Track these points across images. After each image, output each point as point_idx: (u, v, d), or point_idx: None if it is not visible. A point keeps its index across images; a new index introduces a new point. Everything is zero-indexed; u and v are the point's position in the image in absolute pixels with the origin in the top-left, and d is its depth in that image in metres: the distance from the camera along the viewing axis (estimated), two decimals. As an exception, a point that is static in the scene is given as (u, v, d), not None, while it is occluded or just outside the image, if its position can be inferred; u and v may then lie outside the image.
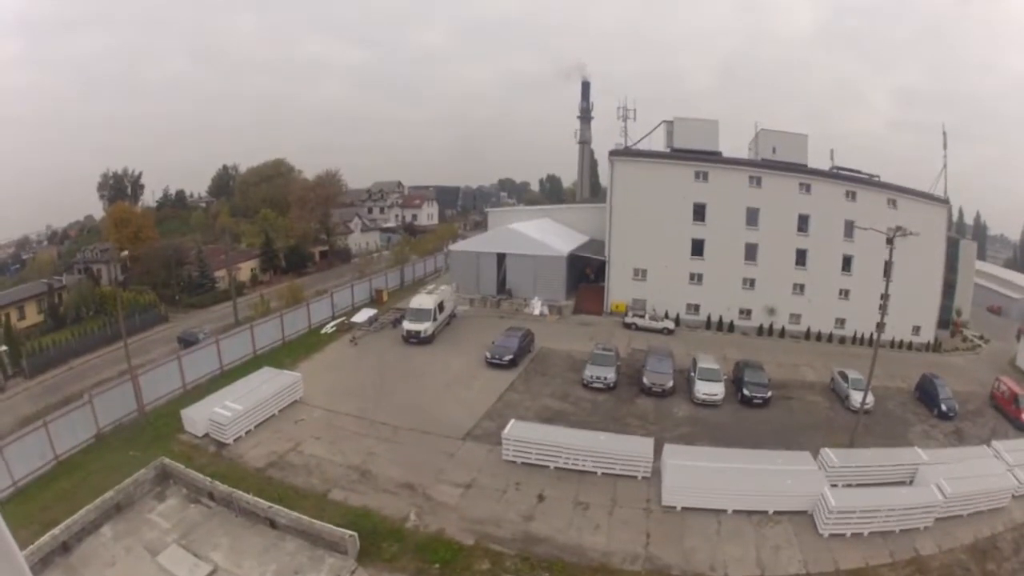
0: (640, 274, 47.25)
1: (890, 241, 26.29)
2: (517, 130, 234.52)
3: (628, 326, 44.00)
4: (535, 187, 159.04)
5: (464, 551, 19.19)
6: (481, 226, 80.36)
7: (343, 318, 43.71)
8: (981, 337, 51.46)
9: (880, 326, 28.80)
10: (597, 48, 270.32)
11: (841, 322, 45.58)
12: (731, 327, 45.78)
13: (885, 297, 27.71)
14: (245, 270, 65.31)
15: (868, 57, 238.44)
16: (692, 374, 32.62)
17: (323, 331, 41.50)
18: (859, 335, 45.02)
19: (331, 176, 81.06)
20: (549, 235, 50.15)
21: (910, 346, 45.46)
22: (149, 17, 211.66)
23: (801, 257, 45.42)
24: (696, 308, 46.66)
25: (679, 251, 46.21)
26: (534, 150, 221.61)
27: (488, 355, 35.09)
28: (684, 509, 21.48)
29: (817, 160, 47.01)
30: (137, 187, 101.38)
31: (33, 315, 52.35)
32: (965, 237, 71.09)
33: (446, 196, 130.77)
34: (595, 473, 23.61)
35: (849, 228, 43.28)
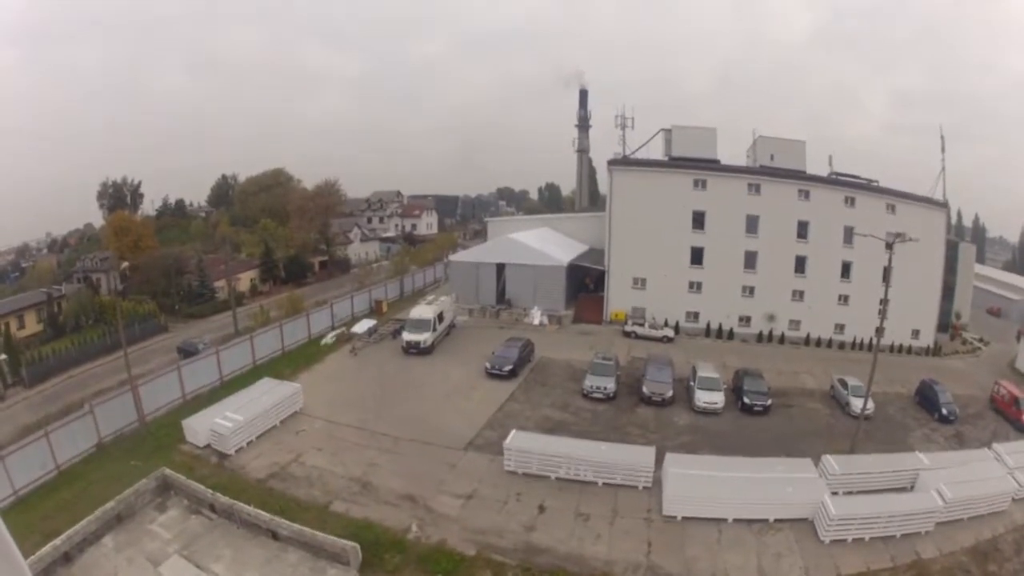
0: (639, 283, 47.34)
1: (889, 247, 26.41)
2: (516, 139, 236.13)
3: (628, 335, 44.05)
4: (534, 195, 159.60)
5: (466, 562, 19.19)
6: (480, 235, 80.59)
7: (343, 328, 43.74)
8: (981, 339, 51.62)
9: (880, 331, 28.89)
10: (595, 55, 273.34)
11: (840, 328, 45.69)
12: (731, 334, 45.85)
13: (884, 302, 27.80)
14: (245, 280, 65.33)
15: (866, 59, 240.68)
16: (692, 383, 32.66)
17: (323, 342, 41.54)
18: (859, 340, 45.13)
19: (330, 186, 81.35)
20: (548, 245, 50.28)
21: (909, 350, 45.53)
22: (150, 28, 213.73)
23: (800, 264, 45.54)
24: (696, 316, 46.73)
25: (678, 259, 46.33)
26: (533, 158, 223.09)
27: (488, 365, 35.10)
28: (685, 519, 21.48)
29: (816, 166, 47.42)
30: (136, 196, 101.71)
31: (33, 324, 52.35)
32: (964, 240, 71.36)
33: (445, 205, 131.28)
34: (596, 483, 23.60)
35: (848, 234, 43.37)
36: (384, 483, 23.51)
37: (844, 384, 33.18)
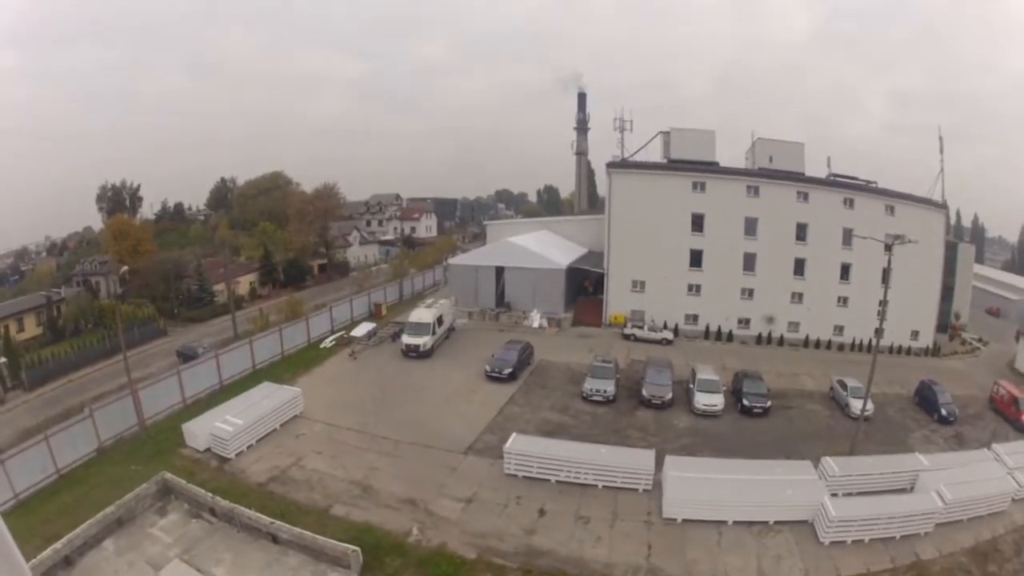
0: (638, 285, 47.38)
1: (888, 249, 26.46)
2: (515, 141, 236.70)
3: (627, 337, 44.08)
4: (533, 198, 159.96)
5: (466, 565, 19.21)
6: (479, 238, 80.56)
7: (342, 332, 43.73)
8: (980, 340, 51.71)
9: (879, 332, 28.94)
10: (594, 58, 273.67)
11: (840, 329, 45.77)
12: (730, 337, 45.90)
13: (884, 303, 27.83)
14: (244, 284, 65.35)
15: (866, 59, 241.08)
16: (691, 385, 32.70)
17: (322, 345, 41.53)
18: (858, 341, 45.19)
19: (329, 189, 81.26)
20: (548, 248, 50.34)
21: (908, 351, 45.57)
22: (150, 29, 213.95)
23: (799, 266, 45.61)
24: (695, 318, 46.80)
25: (677, 262, 46.38)
26: (532, 161, 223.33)
27: (488, 368, 35.12)
28: (685, 521, 21.50)
29: (815, 167, 47.43)
30: (135, 199, 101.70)
31: (32, 327, 52.38)
32: (963, 240, 71.56)
33: (444, 208, 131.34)
34: (596, 486, 23.62)
35: (847, 236, 43.48)
36: (384, 487, 23.52)
37: (843, 385, 33.21)
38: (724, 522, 21.37)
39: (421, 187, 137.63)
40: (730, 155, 49.69)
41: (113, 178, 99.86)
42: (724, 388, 32.79)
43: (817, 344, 45.50)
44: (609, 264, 47.77)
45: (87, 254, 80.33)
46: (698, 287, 46.54)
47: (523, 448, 24.63)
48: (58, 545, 18.05)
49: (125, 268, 48.78)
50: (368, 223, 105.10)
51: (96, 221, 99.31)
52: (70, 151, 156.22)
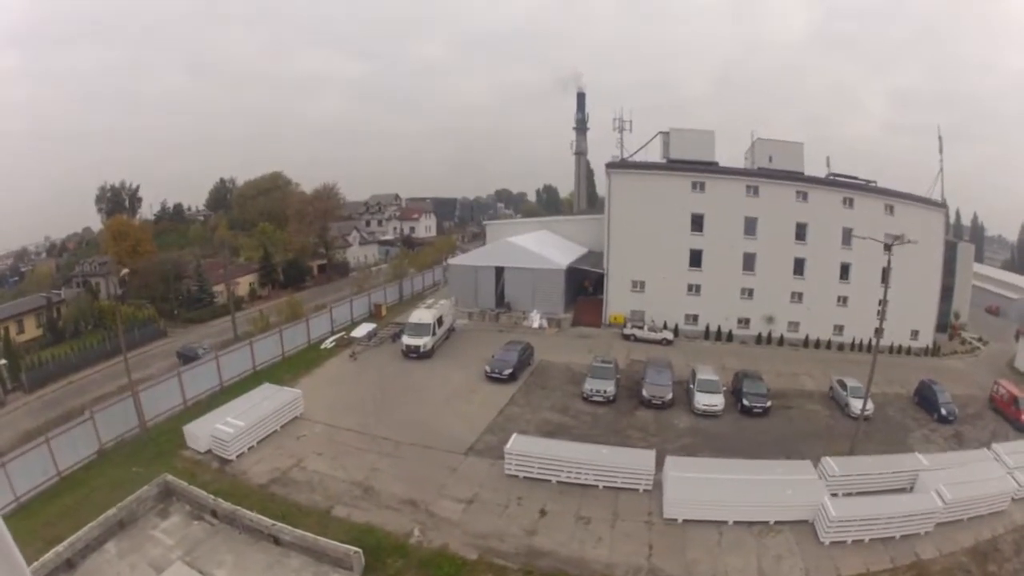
0: (638, 285, 47.41)
1: (888, 248, 26.48)
2: (514, 141, 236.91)
3: (627, 337, 44.11)
4: (532, 198, 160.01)
5: (468, 566, 19.26)
6: (479, 238, 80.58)
7: (342, 333, 43.74)
8: (979, 339, 51.75)
9: (879, 332, 28.96)
10: (594, 58, 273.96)
11: (839, 329, 45.80)
12: (730, 336, 45.95)
13: (883, 303, 27.85)
14: (244, 284, 65.35)
15: (866, 59, 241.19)
16: (691, 385, 32.74)
17: (322, 346, 41.54)
18: (857, 341, 45.23)
19: (329, 189, 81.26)
20: (547, 248, 50.37)
21: (908, 351, 45.61)
22: (149, 30, 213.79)
23: (799, 266, 45.63)
24: (695, 318, 46.84)
25: (677, 262, 46.40)
26: (531, 161, 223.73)
27: (488, 369, 35.15)
28: (685, 521, 21.54)
29: (814, 167, 47.44)
30: (135, 200, 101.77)
31: (32, 329, 52.39)
32: (963, 239, 71.52)
33: (443, 208, 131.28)
34: (597, 487, 23.66)
35: (847, 235, 43.51)
36: (385, 487, 23.55)
37: (843, 385, 33.26)
38: (724, 522, 21.42)
39: (421, 187, 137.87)
40: (730, 155, 49.81)
41: (112, 179, 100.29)
42: (724, 388, 32.84)
43: (817, 344, 45.54)
44: (609, 264, 47.79)
45: (87, 255, 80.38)
46: (698, 287, 46.57)
47: (524, 449, 24.67)
48: (60, 548, 18.06)
49: (126, 271, 48.84)
50: (368, 223, 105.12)
51: (96, 222, 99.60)
52: (70, 151, 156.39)
